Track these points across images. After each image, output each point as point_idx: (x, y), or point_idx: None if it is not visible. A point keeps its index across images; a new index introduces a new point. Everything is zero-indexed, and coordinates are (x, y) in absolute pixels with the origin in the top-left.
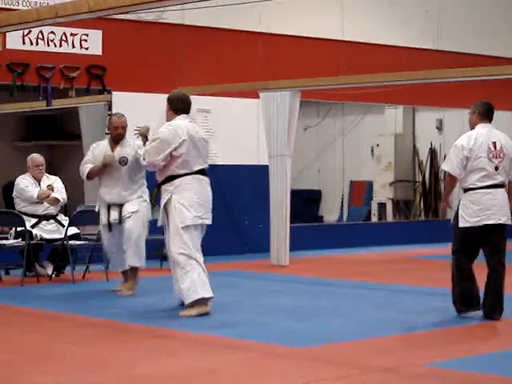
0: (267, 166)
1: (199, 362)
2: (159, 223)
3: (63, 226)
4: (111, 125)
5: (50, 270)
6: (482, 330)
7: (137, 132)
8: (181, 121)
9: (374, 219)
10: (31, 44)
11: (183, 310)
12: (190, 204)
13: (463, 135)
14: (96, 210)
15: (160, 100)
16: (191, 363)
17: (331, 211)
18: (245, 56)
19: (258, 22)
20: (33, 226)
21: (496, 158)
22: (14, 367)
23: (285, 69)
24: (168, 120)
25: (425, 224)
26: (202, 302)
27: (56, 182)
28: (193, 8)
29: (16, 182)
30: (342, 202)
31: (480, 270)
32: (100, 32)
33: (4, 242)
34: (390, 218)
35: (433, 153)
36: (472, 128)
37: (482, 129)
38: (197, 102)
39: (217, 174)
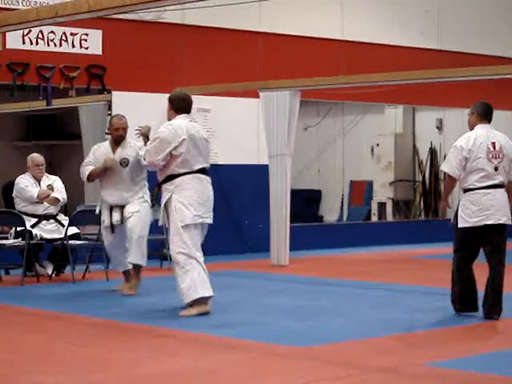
0: (267, 165)
1: (199, 361)
2: (160, 223)
3: (63, 226)
4: (112, 126)
5: (49, 270)
6: (481, 330)
7: (138, 132)
8: (181, 120)
9: (374, 219)
10: (31, 44)
11: (183, 310)
12: (190, 203)
13: (462, 136)
14: (97, 211)
15: (160, 100)
16: (191, 363)
17: (331, 211)
18: (245, 56)
19: (258, 21)
20: (33, 226)
21: (495, 158)
22: (14, 367)
23: (285, 68)
24: (169, 119)
25: (425, 224)
26: (202, 301)
27: (56, 181)
28: (193, 8)
29: (16, 182)
30: (342, 202)
31: (480, 271)
32: (100, 32)
33: (4, 241)
34: (389, 217)
35: (433, 152)
36: (471, 129)
37: (481, 129)
38: (197, 101)
39: (217, 174)
